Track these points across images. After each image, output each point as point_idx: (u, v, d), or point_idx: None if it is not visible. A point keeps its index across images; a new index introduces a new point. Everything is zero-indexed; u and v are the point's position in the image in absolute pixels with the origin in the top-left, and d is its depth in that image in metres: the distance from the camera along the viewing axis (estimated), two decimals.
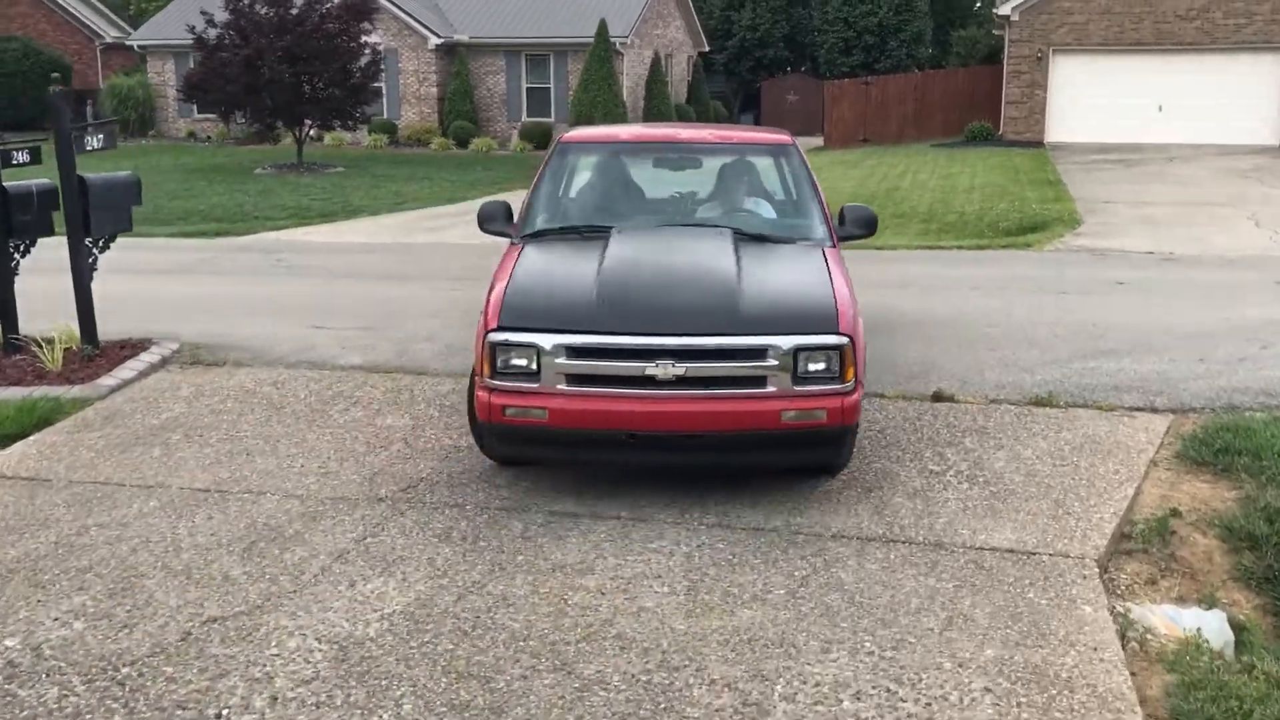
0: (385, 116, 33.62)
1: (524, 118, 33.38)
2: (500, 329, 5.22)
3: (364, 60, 25.32)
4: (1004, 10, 28.85)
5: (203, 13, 24.59)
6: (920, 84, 33.08)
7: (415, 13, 32.93)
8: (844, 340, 5.27)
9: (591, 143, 7.38)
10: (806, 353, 5.22)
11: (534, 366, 5.16)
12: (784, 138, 7.21)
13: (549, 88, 33.50)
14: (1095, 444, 6.23)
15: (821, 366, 5.24)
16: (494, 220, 6.54)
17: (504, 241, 6.47)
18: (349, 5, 24.78)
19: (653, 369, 5.10)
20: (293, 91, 24.24)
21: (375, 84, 26.31)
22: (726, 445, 5.25)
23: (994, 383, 7.39)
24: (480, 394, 5.29)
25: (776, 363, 5.19)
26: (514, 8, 34.18)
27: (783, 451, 5.37)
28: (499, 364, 5.22)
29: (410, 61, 33.36)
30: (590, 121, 28.10)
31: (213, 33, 24.50)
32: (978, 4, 54.58)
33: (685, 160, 7.37)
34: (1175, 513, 5.41)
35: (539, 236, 6.32)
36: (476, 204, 7.57)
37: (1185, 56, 28.22)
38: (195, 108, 30.76)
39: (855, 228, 6.61)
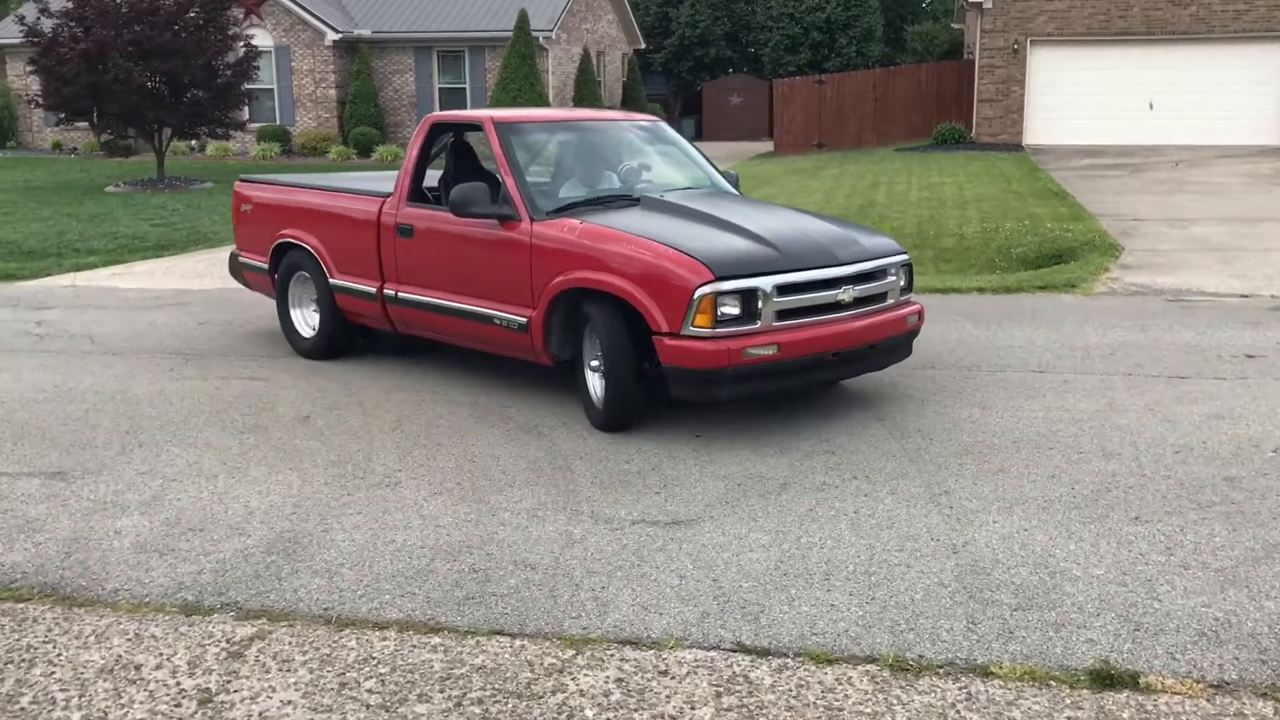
0: (278, 122, 29.59)
1: None
2: (718, 278, 5.68)
3: (233, 56, 21.29)
4: None
5: (35, 1, 20.47)
6: (880, 82, 29.66)
7: (309, 4, 28.92)
8: (909, 257, 6.61)
9: (523, 122, 7.45)
10: (905, 269, 6.49)
11: (755, 309, 5.75)
12: (654, 117, 8.25)
13: (464, 87, 29.67)
14: None
15: (906, 282, 6.51)
16: (478, 203, 6.57)
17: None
18: None
19: (842, 294, 6.01)
20: (144, 93, 20.17)
21: (248, 84, 22.27)
22: (885, 350, 6.36)
23: (1190, 633, 3.77)
24: (704, 346, 5.65)
25: (893, 278, 6.35)
26: None
27: (900, 351, 6.56)
28: (719, 313, 5.68)
29: (304, 60, 29.34)
30: None
31: (49, 23, 20.37)
32: (926, 1, 51.64)
33: (606, 136, 7.75)
34: None
35: (567, 210, 6.58)
36: None
37: (1178, 47, 25.15)
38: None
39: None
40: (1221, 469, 5.30)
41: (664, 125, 7.94)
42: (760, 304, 5.71)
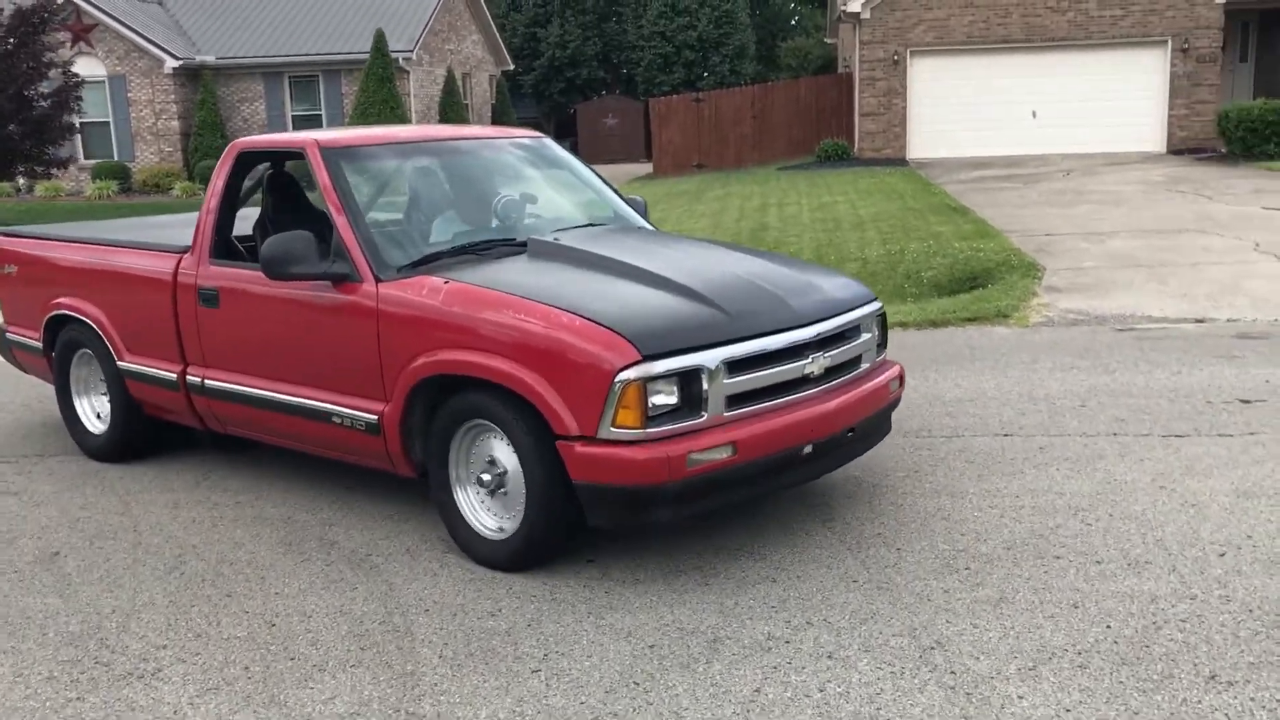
0: (116, 158, 27.16)
1: None
2: (646, 358, 4.04)
3: (49, 85, 19.05)
4: (853, 7, 24.64)
5: None
6: (759, 98, 28.62)
7: (145, 29, 26.64)
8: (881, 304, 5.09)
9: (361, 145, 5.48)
10: (879, 320, 4.98)
11: (699, 395, 4.14)
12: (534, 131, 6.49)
13: (320, 114, 27.68)
14: None
15: (882, 337, 5.02)
16: (300, 260, 4.75)
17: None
18: (23, 12, 18.51)
19: (809, 365, 4.46)
20: None
21: (70, 117, 20.01)
22: (865, 432, 4.80)
23: None
24: (631, 453, 4.00)
25: (867, 335, 4.83)
26: (272, 20, 28.28)
27: (882, 430, 5.03)
28: (650, 405, 4.03)
29: (142, 90, 27.00)
30: None
31: None
32: (795, 18, 51.30)
33: (476, 160, 5.93)
34: None
35: (427, 264, 4.81)
36: None
37: (1058, 54, 24.60)
38: None
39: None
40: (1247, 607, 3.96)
41: (549, 143, 6.23)
42: (706, 388, 4.11)
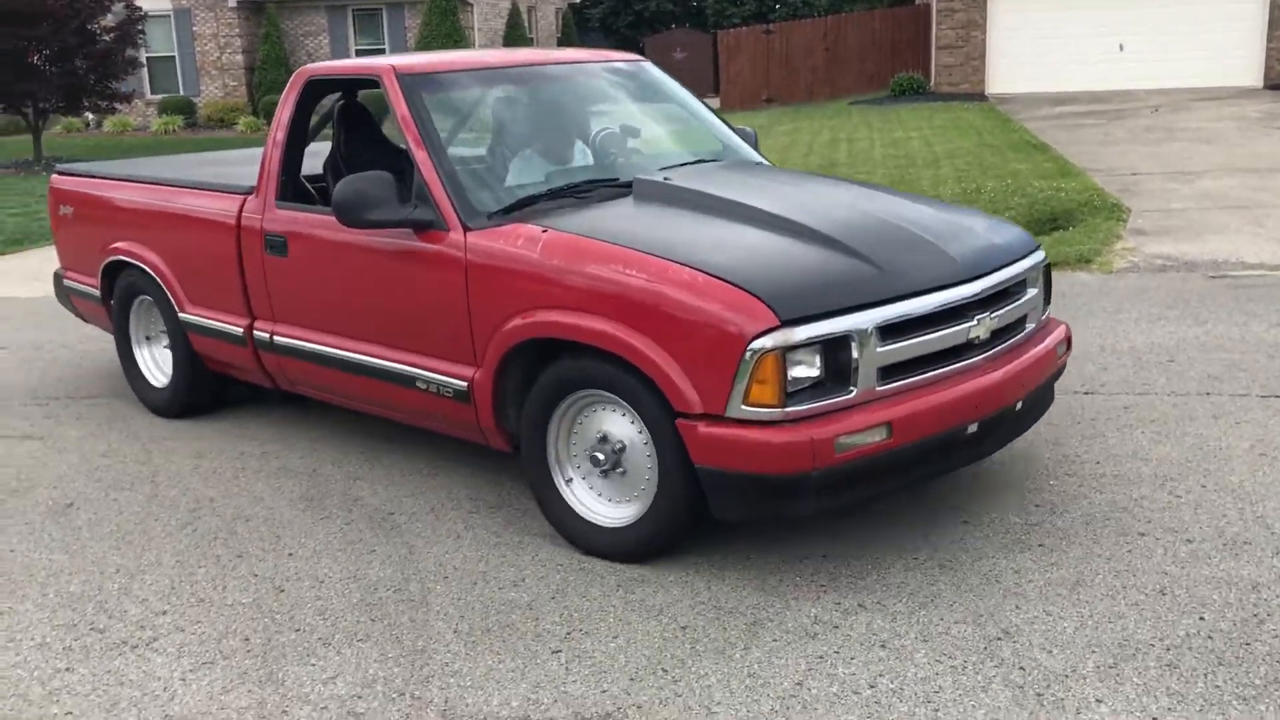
0: (181, 93, 27.13)
1: None
2: (786, 322, 3.39)
3: (111, 19, 18.92)
4: None
5: None
6: (831, 30, 27.68)
7: None
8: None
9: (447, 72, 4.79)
10: (1045, 273, 4.26)
11: (847, 367, 3.47)
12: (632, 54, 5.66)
13: (383, 48, 27.34)
14: None
15: (1046, 293, 4.30)
16: (378, 205, 4.12)
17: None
18: None
19: (975, 328, 3.74)
20: (8, 63, 17.78)
21: (135, 51, 19.89)
22: (1033, 405, 4.07)
23: None
24: (768, 436, 3.38)
25: (1033, 292, 4.14)
26: None
27: (1045, 402, 4.25)
28: (789, 379, 3.38)
29: (207, 24, 26.86)
30: None
31: None
32: None
33: (569, 88, 5.18)
34: None
35: (521, 209, 4.19)
36: None
37: None
38: None
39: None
40: None
41: (650, 67, 5.45)
42: (856, 358, 3.47)
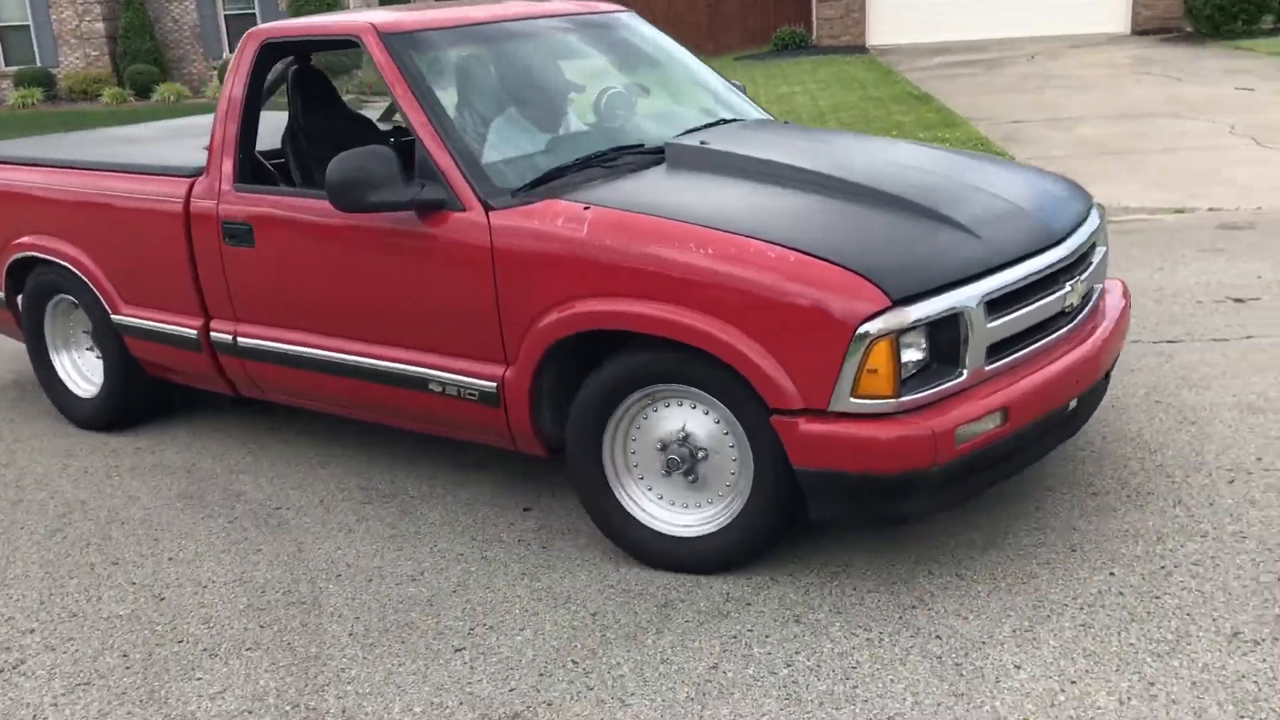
0: (39, 64, 25.79)
1: (225, 54, 26.11)
2: (897, 303, 3.02)
3: None
4: None
5: None
6: None
7: None
8: None
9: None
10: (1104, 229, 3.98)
11: (955, 346, 3.12)
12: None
13: (253, 13, 26.33)
14: None
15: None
16: (381, 184, 3.56)
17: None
18: None
19: (1069, 294, 3.46)
20: None
21: None
22: (1105, 381, 3.77)
23: None
24: (885, 430, 3.03)
25: (1104, 248, 3.88)
26: None
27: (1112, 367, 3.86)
28: (903, 362, 3.04)
29: None
30: None
31: None
32: None
33: (553, 45, 4.59)
34: None
35: (546, 184, 3.68)
36: None
37: None
38: None
39: None
40: None
41: (637, 18, 4.91)
42: (967, 336, 3.13)
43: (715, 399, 3.28)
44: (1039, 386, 3.28)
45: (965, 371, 3.14)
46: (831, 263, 3.10)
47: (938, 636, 3.03)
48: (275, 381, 4.35)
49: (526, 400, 3.57)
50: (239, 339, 4.33)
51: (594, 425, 3.46)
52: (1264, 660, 2.83)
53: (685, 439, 3.40)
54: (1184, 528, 3.49)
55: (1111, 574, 3.26)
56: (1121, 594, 3.16)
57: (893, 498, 3.13)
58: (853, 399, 3.04)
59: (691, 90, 4.81)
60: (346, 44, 4.15)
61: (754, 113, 4.74)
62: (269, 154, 4.63)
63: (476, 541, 3.73)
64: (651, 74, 4.83)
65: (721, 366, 3.20)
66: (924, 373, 3.12)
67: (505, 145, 3.95)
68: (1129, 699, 2.72)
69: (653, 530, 3.47)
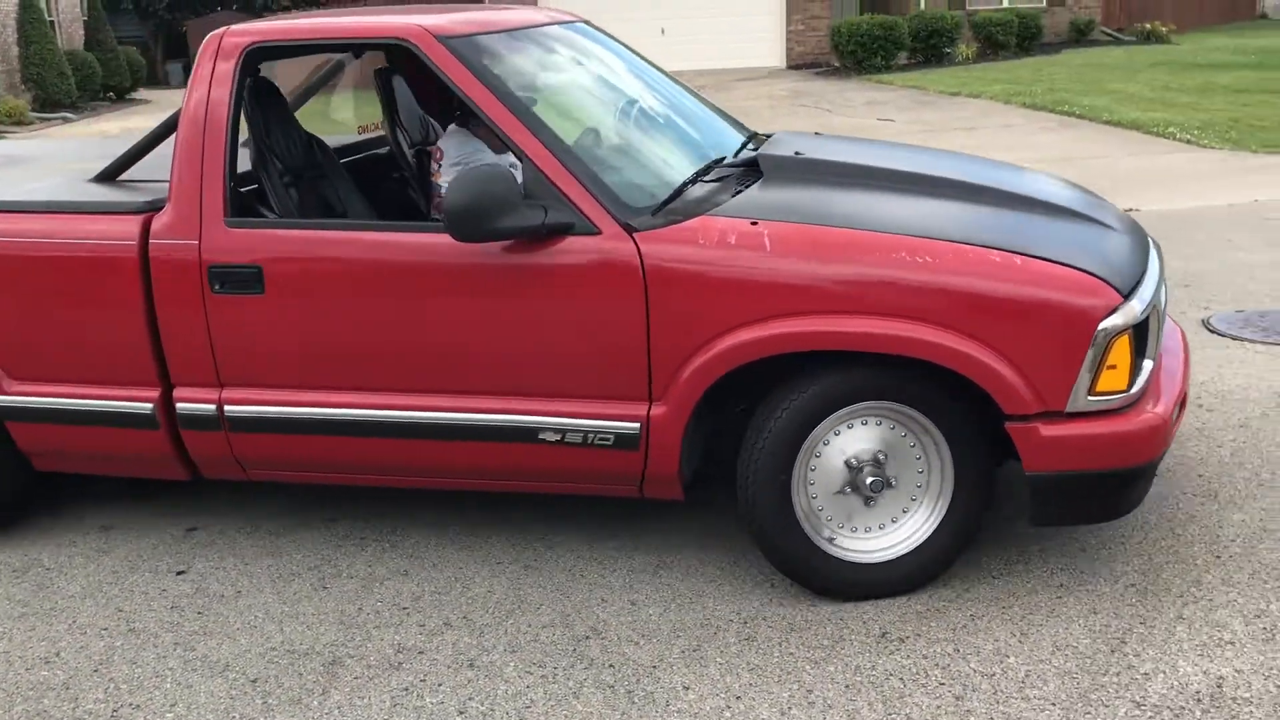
0: None
1: None
2: (1127, 298, 3.12)
3: None
4: None
5: None
6: None
7: None
8: None
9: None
10: None
11: (1148, 338, 3.19)
12: None
13: None
14: None
15: None
16: (509, 210, 3.12)
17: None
18: None
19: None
20: None
21: None
22: None
23: None
24: (1123, 424, 3.10)
25: None
26: None
27: None
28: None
29: None
30: None
31: None
32: None
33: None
34: None
35: (678, 201, 3.39)
36: None
37: None
38: None
39: None
40: None
41: (591, 27, 4.56)
42: (1158, 329, 3.31)
43: (918, 412, 3.19)
44: (1179, 376, 3.46)
45: (1152, 362, 3.25)
46: (1060, 264, 3.12)
47: (610, 665, 3.04)
48: (285, 455, 3.63)
49: (679, 440, 3.27)
50: (226, 408, 3.56)
51: (784, 461, 3.21)
52: (908, 657, 3.02)
53: (877, 461, 3.26)
54: None
55: (772, 585, 3.40)
56: (781, 604, 3.30)
57: (1118, 492, 3.19)
58: (1089, 397, 3.08)
59: (687, 101, 4.50)
60: (360, 49, 3.90)
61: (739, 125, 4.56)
62: (245, 179, 3.80)
63: (123, 613, 3.42)
64: (650, 86, 4.44)
65: (939, 377, 3.12)
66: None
67: (609, 160, 3.59)
68: (789, 708, 2.83)
69: (852, 563, 3.30)
